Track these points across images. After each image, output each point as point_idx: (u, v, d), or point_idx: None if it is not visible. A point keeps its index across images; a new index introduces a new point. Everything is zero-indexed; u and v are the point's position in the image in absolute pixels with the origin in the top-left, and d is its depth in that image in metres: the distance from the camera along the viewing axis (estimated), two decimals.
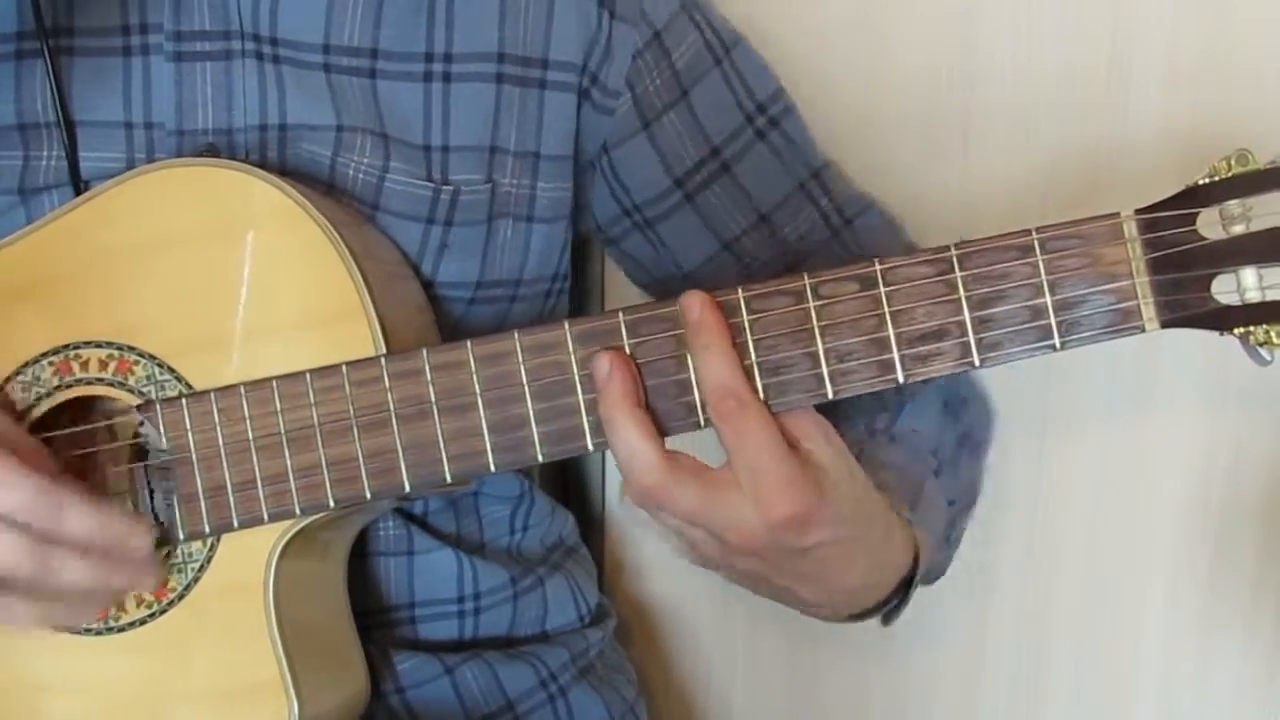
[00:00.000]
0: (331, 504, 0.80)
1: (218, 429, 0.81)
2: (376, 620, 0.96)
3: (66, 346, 0.83)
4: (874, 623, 1.07)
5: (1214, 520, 1.06)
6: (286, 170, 0.87)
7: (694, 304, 0.76)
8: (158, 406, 0.82)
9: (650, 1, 0.97)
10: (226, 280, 0.82)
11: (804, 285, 0.76)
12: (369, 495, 0.80)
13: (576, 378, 0.78)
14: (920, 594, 1.16)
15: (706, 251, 1.00)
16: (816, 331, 0.76)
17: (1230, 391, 1.03)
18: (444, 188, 0.92)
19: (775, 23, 1.13)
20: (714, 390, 0.76)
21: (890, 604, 0.90)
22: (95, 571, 0.76)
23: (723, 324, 0.76)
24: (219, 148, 0.88)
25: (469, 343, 0.79)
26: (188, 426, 0.81)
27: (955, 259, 0.75)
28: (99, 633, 0.82)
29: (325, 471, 0.80)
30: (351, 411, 0.80)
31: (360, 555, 0.94)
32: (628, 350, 0.77)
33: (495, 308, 0.95)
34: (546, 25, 0.95)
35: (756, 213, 1.00)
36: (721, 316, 0.76)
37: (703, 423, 0.77)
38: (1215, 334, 0.74)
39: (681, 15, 0.99)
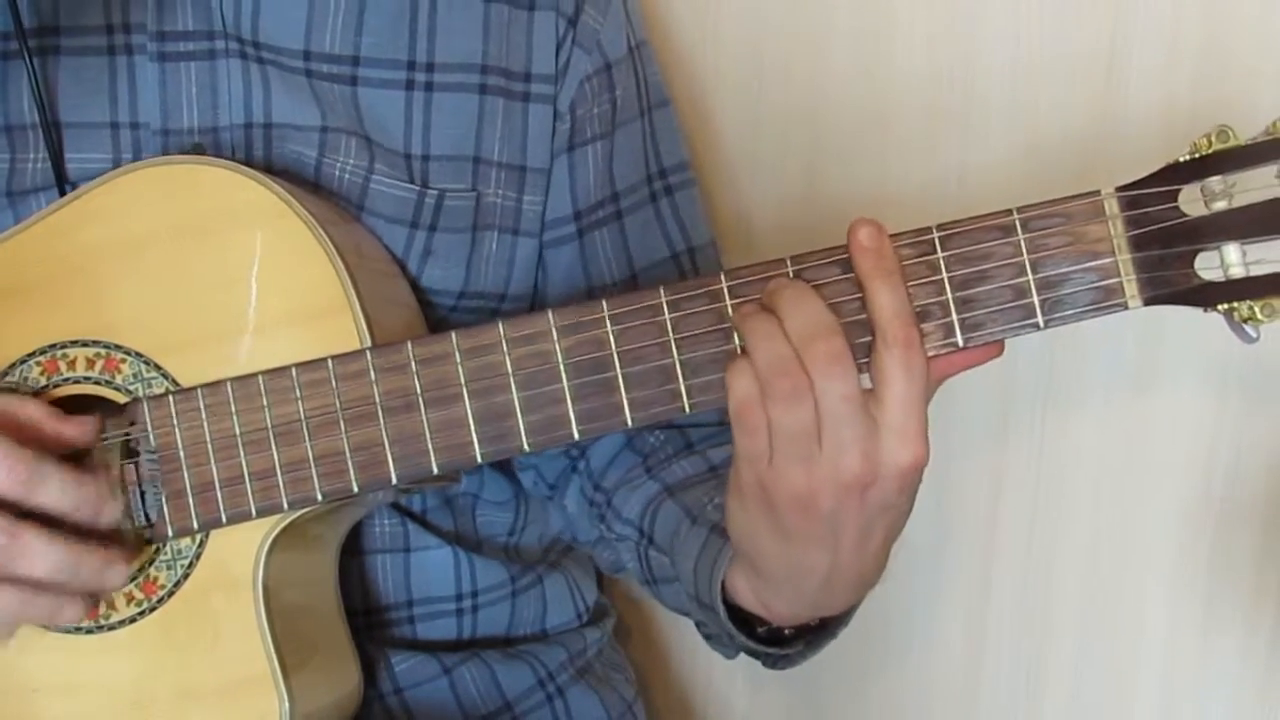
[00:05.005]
0: (319, 498, 0.80)
1: (205, 425, 0.81)
2: (375, 620, 0.96)
3: (53, 346, 0.83)
4: (873, 623, 1.06)
5: (1214, 519, 1.05)
6: (272, 169, 0.87)
7: (872, 231, 0.74)
8: (144, 404, 0.82)
9: (607, 34, 0.98)
10: (212, 277, 0.82)
11: (787, 270, 0.76)
12: (356, 488, 0.80)
13: (562, 366, 0.78)
14: (920, 594, 1.16)
15: (572, 289, 1.00)
16: None
17: (1231, 388, 1.03)
18: (428, 191, 0.92)
19: (776, 21, 1.14)
20: (898, 315, 0.73)
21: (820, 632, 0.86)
22: (64, 554, 0.75)
23: (894, 254, 0.74)
24: (205, 146, 0.89)
25: (453, 334, 0.79)
26: (175, 423, 0.81)
27: (937, 240, 0.75)
28: (89, 631, 0.82)
29: (313, 465, 0.80)
30: (338, 405, 0.80)
31: (356, 553, 0.95)
32: (611, 339, 0.77)
33: (477, 317, 0.95)
34: (527, 39, 0.95)
35: (630, 269, 1.01)
36: (891, 246, 0.74)
37: (687, 408, 0.77)
38: (1200, 311, 0.74)
39: (629, 57, 1.01)
